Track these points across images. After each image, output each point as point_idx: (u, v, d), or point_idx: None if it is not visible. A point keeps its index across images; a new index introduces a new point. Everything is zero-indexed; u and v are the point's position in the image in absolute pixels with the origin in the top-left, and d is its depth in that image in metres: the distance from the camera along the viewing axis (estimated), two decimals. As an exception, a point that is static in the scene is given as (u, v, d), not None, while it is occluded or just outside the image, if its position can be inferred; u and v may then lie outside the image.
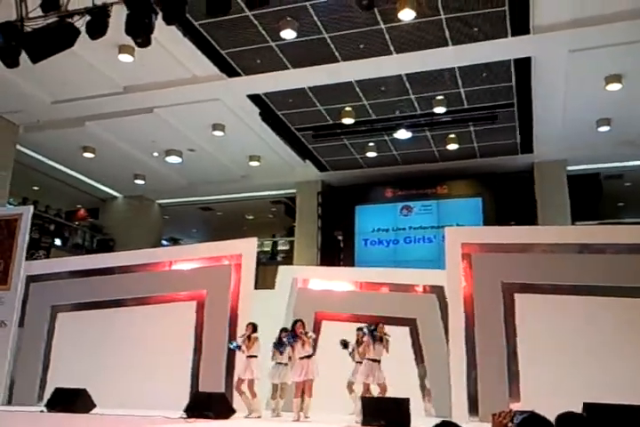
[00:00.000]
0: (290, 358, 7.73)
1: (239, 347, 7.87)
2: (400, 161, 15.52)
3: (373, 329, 7.47)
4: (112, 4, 6.10)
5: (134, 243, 16.10)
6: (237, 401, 7.82)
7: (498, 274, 8.05)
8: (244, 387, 7.81)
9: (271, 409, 8.07)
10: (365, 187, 16.64)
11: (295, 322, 7.66)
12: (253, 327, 7.98)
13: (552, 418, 2.79)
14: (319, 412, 7.69)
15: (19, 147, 13.96)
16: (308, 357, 7.41)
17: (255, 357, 7.90)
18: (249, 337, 7.90)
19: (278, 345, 7.89)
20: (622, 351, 7.29)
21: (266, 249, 18.03)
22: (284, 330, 8.00)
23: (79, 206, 18.98)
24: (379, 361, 7.38)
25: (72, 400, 7.55)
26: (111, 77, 11.43)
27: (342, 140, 14.20)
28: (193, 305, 9.07)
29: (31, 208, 10.49)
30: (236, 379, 7.95)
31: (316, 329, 9.27)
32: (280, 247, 18.47)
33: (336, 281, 10.00)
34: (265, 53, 10.54)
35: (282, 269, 10.48)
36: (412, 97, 12.17)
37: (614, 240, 7.90)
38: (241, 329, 8.36)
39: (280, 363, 7.94)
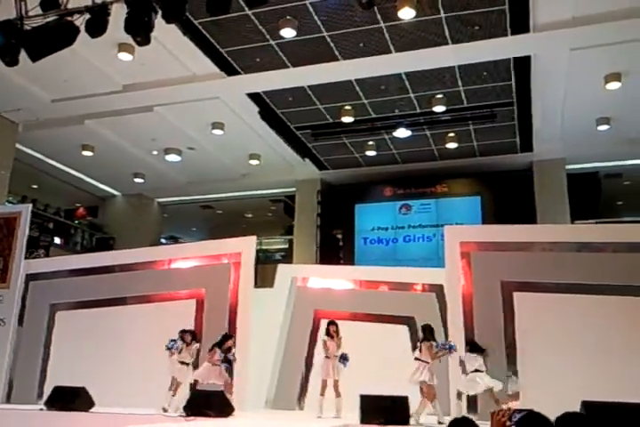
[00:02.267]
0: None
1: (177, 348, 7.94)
2: (399, 160, 15.53)
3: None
4: (112, 2, 6.08)
5: (134, 241, 16.10)
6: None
7: (497, 272, 8.05)
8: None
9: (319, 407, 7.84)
10: (365, 185, 16.64)
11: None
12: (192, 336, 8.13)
13: (551, 416, 2.81)
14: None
15: (18, 145, 13.95)
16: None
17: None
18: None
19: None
20: (621, 350, 7.30)
21: (265, 247, 18.04)
22: (331, 323, 8.05)
23: (78, 205, 18.99)
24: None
25: (71, 399, 7.55)
26: (111, 76, 11.43)
27: (342, 138, 14.20)
28: (192, 304, 9.07)
29: (30, 206, 10.49)
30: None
31: (316, 328, 9.28)
32: (279, 246, 18.49)
33: (335, 279, 10.00)
34: (265, 52, 10.53)
35: (281, 267, 10.47)
36: (412, 96, 12.17)
37: (613, 239, 7.90)
38: (240, 328, 8.41)
39: (328, 357, 7.86)
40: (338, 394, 7.62)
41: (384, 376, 7.91)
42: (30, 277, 9.91)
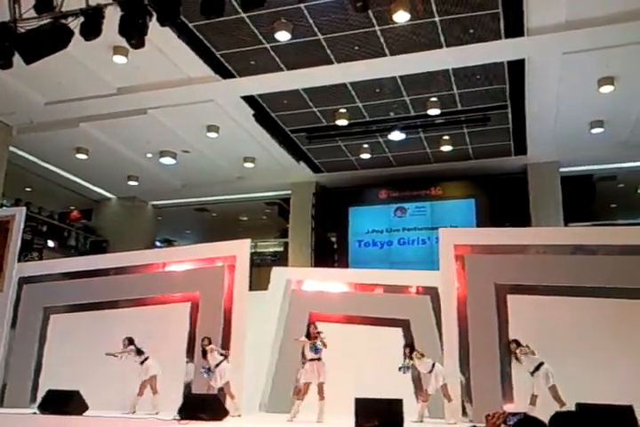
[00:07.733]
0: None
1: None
2: (394, 162, 15.55)
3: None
4: (106, 5, 6.09)
5: (128, 244, 16.06)
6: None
7: (491, 275, 8.07)
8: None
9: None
10: (359, 188, 16.67)
11: None
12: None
13: (544, 418, 2.82)
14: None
15: (12, 148, 13.90)
16: None
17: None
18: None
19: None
20: (615, 352, 7.32)
21: (259, 250, 18.03)
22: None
23: (72, 208, 18.94)
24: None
25: (65, 402, 7.52)
26: (105, 79, 11.41)
27: (336, 141, 14.21)
28: (187, 307, 9.05)
29: (24, 209, 10.44)
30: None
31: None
32: (274, 249, 18.49)
33: (330, 282, 9.98)
34: (259, 55, 10.54)
35: (275, 270, 10.45)
36: (407, 99, 12.20)
37: (607, 241, 7.93)
38: (235, 331, 8.40)
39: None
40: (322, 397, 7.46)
41: (378, 379, 7.91)
42: (24, 281, 9.87)
